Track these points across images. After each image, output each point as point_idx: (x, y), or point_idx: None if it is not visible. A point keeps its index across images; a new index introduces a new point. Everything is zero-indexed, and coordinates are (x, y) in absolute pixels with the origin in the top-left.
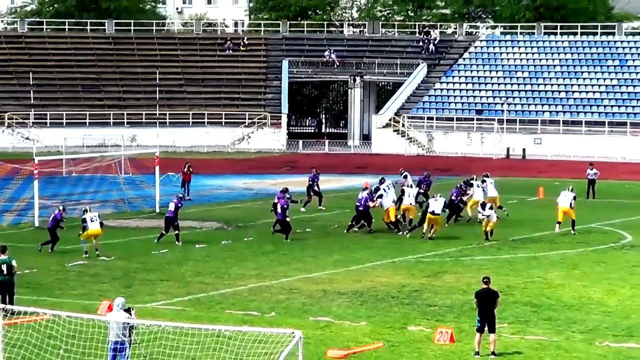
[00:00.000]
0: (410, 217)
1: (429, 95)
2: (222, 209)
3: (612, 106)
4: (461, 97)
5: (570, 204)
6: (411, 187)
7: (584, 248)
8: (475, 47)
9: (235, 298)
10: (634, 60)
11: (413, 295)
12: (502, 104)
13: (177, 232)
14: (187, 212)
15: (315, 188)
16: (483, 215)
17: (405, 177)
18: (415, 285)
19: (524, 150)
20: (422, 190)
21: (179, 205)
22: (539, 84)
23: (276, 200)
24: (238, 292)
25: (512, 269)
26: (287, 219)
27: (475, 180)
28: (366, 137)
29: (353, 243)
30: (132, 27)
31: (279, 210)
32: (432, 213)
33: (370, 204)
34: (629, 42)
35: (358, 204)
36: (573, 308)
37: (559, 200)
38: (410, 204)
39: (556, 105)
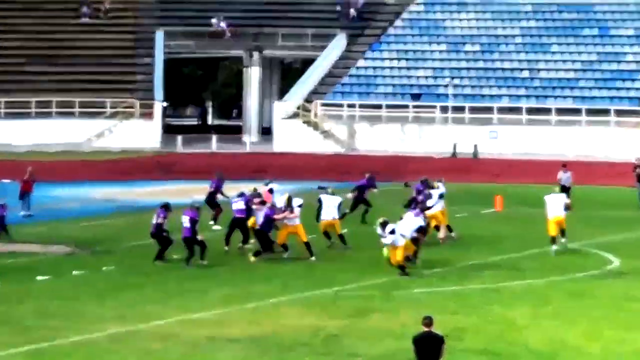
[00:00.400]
0: (338, 232)
1: (350, 76)
2: (74, 227)
3: (590, 88)
4: (392, 77)
5: (566, 206)
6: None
7: (558, 276)
8: (411, 12)
9: (91, 348)
10: (617, 28)
11: (330, 342)
12: (447, 86)
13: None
14: (27, 232)
15: (220, 196)
16: (383, 238)
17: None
18: (333, 328)
19: (475, 147)
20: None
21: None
22: (494, 60)
23: (155, 220)
24: (94, 340)
25: (462, 305)
26: (198, 237)
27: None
28: (266, 132)
29: (250, 271)
30: None
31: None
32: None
33: (277, 216)
34: (611, 4)
35: (238, 215)
36: (543, 357)
37: (548, 209)
38: (333, 217)
39: (517, 87)
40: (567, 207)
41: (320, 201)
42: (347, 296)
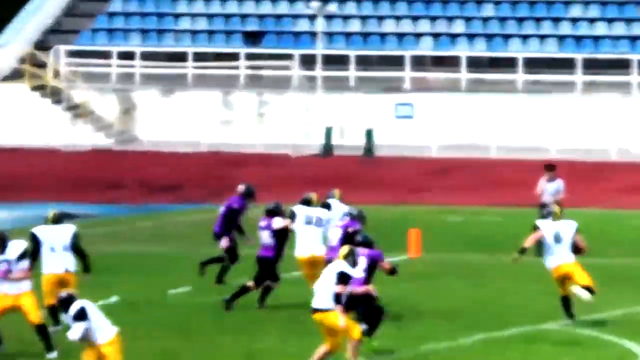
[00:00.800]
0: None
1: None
2: None
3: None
4: (205, 2)
5: (575, 246)
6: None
7: None
8: None
9: None
10: None
11: None
12: (314, 17)
13: None
14: None
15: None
16: None
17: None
18: None
19: (369, 133)
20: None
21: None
22: None
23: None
24: None
25: None
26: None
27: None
28: None
29: None
30: None
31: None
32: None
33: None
34: None
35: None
36: None
37: (545, 252)
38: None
39: (454, 20)
40: (579, 248)
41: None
42: None
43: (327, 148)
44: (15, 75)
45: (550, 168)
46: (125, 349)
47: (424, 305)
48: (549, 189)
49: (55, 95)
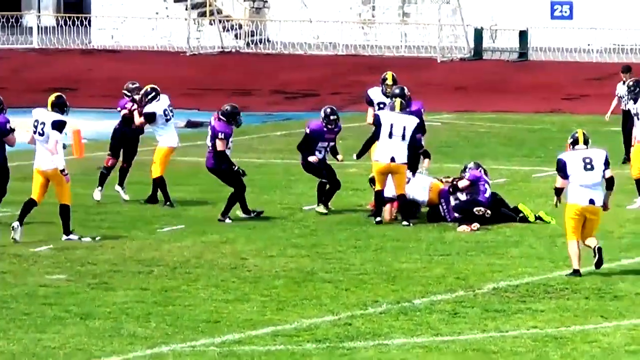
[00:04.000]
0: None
1: None
2: None
3: None
4: None
5: (610, 181)
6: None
7: None
8: None
9: None
10: None
11: None
12: None
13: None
14: None
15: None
16: None
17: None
18: None
19: (522, 35)
20: None
21: None
22: None
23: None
24: None
25: None
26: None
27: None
28: None
29: None
30: None
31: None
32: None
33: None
34: None
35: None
36: None
37: (568, 185)
38: None
39: None
40: (611, 184)
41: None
42: None
43: (477, 51)
44: None
45: (626, 70)
46: (257, 265)
47: None
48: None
49: None
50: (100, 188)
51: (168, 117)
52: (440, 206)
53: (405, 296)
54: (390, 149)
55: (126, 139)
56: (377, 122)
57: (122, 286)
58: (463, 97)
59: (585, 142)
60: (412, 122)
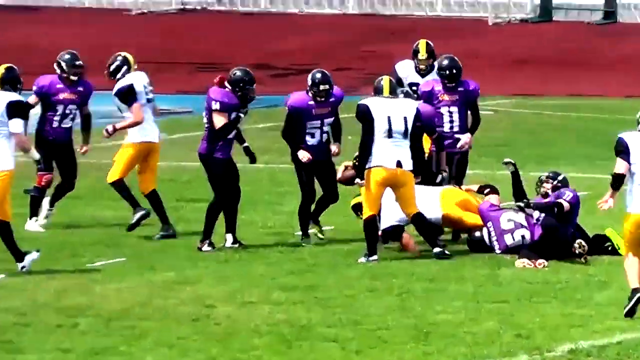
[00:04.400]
0: None
1: None
2: None
3: None
4: None
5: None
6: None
7: None
8: None
9: None
10: None
11: None
12: None
13: None
14: None
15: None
16: None
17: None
18: None
19: None
20: None
21: None
22: None
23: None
24: None
25: None
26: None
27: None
28: None
29: None
30: None
31: None
32: None
33: None
34: None
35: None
36: None
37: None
38: None
39: None
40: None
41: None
42: None
43: (545, 10)
44: None
45: None
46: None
47: None
48: None
49: None
50: (35, 218)
51: (149, 98)
52: (483, 230)
53: None
54: (394, 151)
55: (55, 146)
56: (365, 116)
57: (33, 347)
58: (525, 75)
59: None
60: (411, 108)
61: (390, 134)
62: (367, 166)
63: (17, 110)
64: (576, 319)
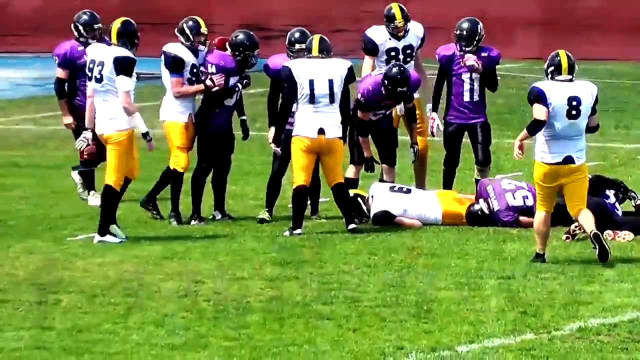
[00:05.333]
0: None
1: None
2: None
3: None
4: None
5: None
6: None
7: None
8: None
9: None
10: None
11: None
12: None
13: None
14: None
15: None
16: None
17: None
18: None
19: None
20: None
21: None
22: None
23: None
24: None
25: None
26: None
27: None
28: None
29: None
30: None
31: None
32: None
33: None
34: None
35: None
36: None
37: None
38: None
39: None
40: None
41: None
42: None
43: None
44: None
45: None
46: None
47: None
48: None
49: None
50: (93, 192)
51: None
52: (481, 203)
53: (444, 341)
54: (317, 118)
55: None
56: (288, 79)
57: (12, 324)
58: (541, 36)
59: (570, 71)
60: (339, 69)
61: (312, 99)
62: (292, 134)
63: (123, 66)
64: (585, 296)
